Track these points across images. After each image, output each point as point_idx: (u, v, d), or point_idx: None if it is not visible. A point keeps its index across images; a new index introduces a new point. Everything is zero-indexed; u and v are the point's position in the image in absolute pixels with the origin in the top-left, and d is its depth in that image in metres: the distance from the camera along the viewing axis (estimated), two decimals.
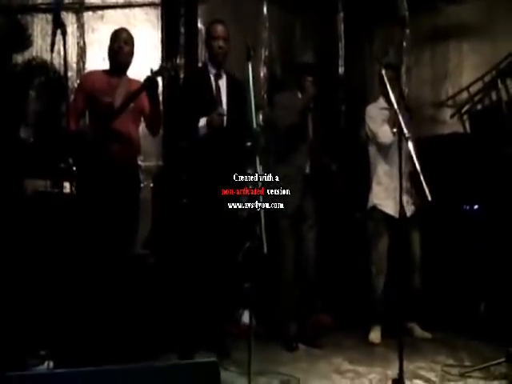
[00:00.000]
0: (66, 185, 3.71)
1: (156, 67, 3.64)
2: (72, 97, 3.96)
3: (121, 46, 3.80)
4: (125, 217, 3.74)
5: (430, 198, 3.06)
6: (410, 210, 4.41)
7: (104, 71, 3.91)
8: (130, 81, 3.86)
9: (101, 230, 3.65)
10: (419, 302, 4.46)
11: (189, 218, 4.05)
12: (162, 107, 4.18)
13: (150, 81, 3.65)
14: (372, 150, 4.51)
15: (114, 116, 3.65)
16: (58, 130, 3.82)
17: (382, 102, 4.44)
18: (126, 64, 3.86)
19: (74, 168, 3.45)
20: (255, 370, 3.22)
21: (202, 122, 3.87)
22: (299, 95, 4.39)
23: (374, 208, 4.46)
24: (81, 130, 3.86)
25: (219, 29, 4.01)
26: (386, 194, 4.37)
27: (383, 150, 4.38)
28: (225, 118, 3.91)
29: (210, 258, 3.89)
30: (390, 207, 4.32)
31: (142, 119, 3.95)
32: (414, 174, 3.32)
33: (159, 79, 3.75)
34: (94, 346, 3.45)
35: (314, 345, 4.28)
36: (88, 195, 3.67)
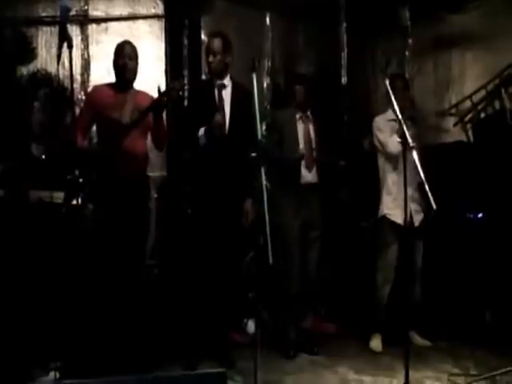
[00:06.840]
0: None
1: (164, 88, 3.65)
2: (78, 111, 3.96)
3: (125, 62, 3.78)
4: (136, 229, 3.74)
5: (435, 207, 3.07)
6: (418, 219, 4.43)
7: (110, 86, 3.89)
8: (137, 93, 3.86)
9: (111, 243, 3.64)
10: (418, 311, 4.45)
11: (193, 228, 4.06)
12: (165, 119, 4.19)
13: (159, 102, 3.66)
14: (381, 160, 4.53)
15: (123, 135, 3.66)
16: (64, 144, 3.83)
17: (390, 113, 4.44)
18: (132, 79, 3.86)
19: (81, 180, 3.45)
20: (261, 380, 3.22)
21: (201, 131, 3.90)
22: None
23: (384, 217, 4.47)
24: (90, 147, 3.89)
25: (211, 43, 4.04)
26: (395, 204, 4.37)
27: (392, 160, 4.40)
28: (227, 126, 3.94)
29: (214, 267, 3.89)
30: (399, 217, 4.31)
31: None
32: (421, 184, 3.33)
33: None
34: (100, 357, 3.45)
35: (312, 352, 4.27)
36: (100, 211, 3.70)
